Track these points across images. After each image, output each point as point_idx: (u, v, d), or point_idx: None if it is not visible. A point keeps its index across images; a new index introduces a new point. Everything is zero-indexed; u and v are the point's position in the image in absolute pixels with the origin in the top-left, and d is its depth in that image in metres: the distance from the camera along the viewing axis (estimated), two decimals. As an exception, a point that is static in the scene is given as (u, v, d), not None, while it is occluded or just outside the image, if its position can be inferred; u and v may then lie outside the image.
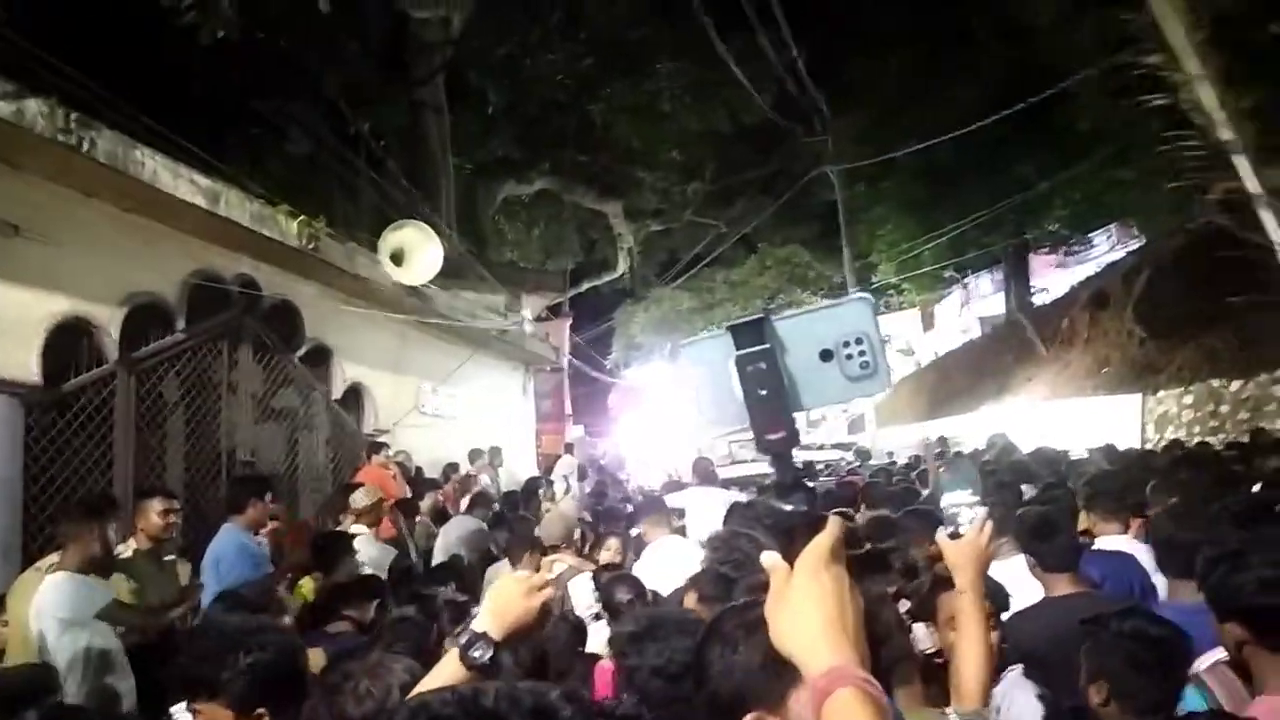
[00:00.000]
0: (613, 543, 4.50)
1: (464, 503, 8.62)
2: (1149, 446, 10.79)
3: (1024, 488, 5.22)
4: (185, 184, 6.00)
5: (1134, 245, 16.87)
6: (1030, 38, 13.10)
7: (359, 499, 6.27)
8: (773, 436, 1.10)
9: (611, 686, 2.42)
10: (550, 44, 15.18)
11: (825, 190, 19.50)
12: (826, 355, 1.13)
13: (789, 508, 1.06)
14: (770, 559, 0.97)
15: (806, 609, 0.93)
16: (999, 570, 2.59)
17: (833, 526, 0.99)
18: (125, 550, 4.00)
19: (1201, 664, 2.24)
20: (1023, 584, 2.94)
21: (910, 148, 15.18)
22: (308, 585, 5.12)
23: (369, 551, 5.48)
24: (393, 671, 1.85)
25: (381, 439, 8.45)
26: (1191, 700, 2.17)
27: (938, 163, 15.74)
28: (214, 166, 6.38)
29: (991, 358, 16.68)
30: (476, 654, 1.46)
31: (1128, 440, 10.91)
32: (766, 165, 20.78)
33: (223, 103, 8.58)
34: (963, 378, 17.21)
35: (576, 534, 4.71)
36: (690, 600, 2.44)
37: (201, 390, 6.68)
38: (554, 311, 16.30)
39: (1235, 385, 10.83)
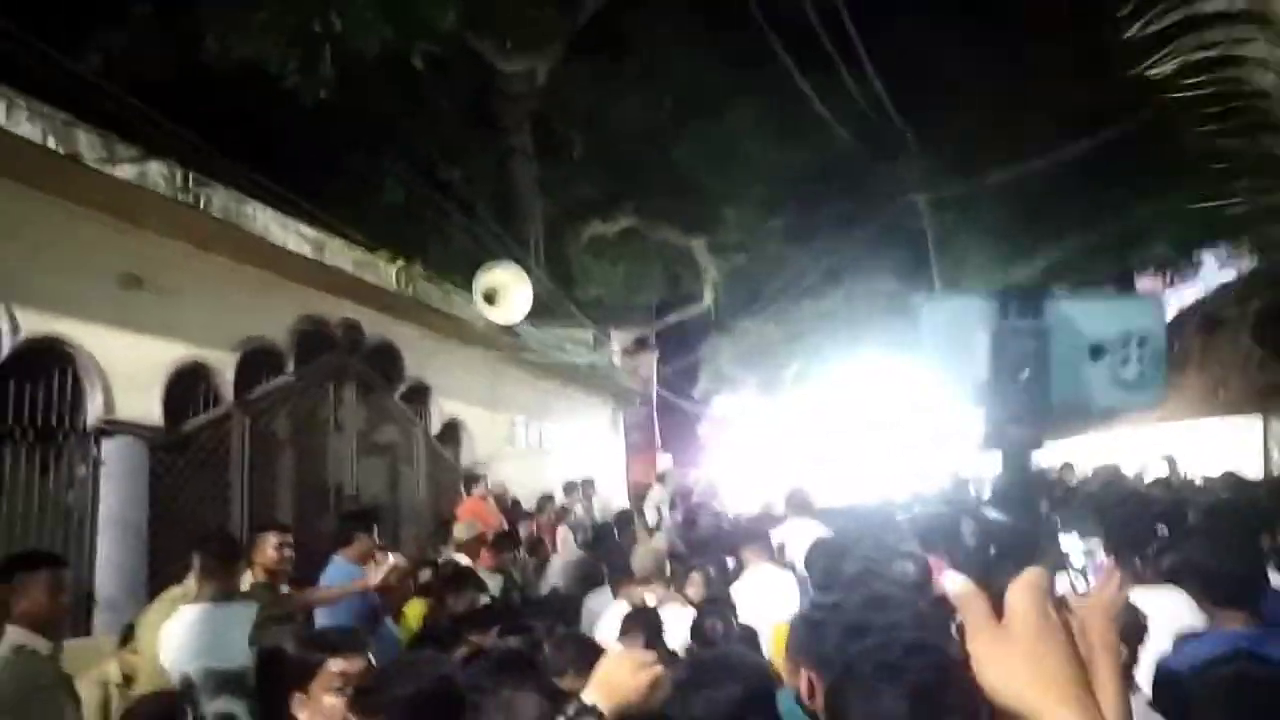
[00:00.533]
0: (696, 577, 4.51)
1: (559, 533, 8.77)
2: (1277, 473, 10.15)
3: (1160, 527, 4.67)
4: (293, 235, 6.39)
5: (1244, 264, 16.03)
6: (1111, 61, 12.72)
7: (460, 531, 6.47)
8: (1016, 429, 0.88)
9: None
10: (631, 91, 15.54)
11: (911, 219, 19.21)
12: (1098, 352, 0.93)
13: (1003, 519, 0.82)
14: (960, 583, 0.79)
15: (1047, 656, 0.75)
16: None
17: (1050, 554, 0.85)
18: (242, 583, 4.22)
19: None
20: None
21: (997, 174, 14.84)
22: (414, 611, 5.31)
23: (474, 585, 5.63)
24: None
25: (478, 472, 8.68)
26: None
27: (1028, 190, 15.32)
28: (317, 218, 6.77)
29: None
30: None
31: (1250, 467, 10.29)
32: (850, 198, 20.64)
33: (323, 159, 9.09)
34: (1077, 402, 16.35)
35: (666, 568, 4.73)
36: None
37: (310, 428, 7.02)
38: (641, 345, 16.47)
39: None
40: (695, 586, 4.50)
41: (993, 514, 0.82)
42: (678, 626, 3.70)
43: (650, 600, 4.19)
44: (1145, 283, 17.44)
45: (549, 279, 12.24)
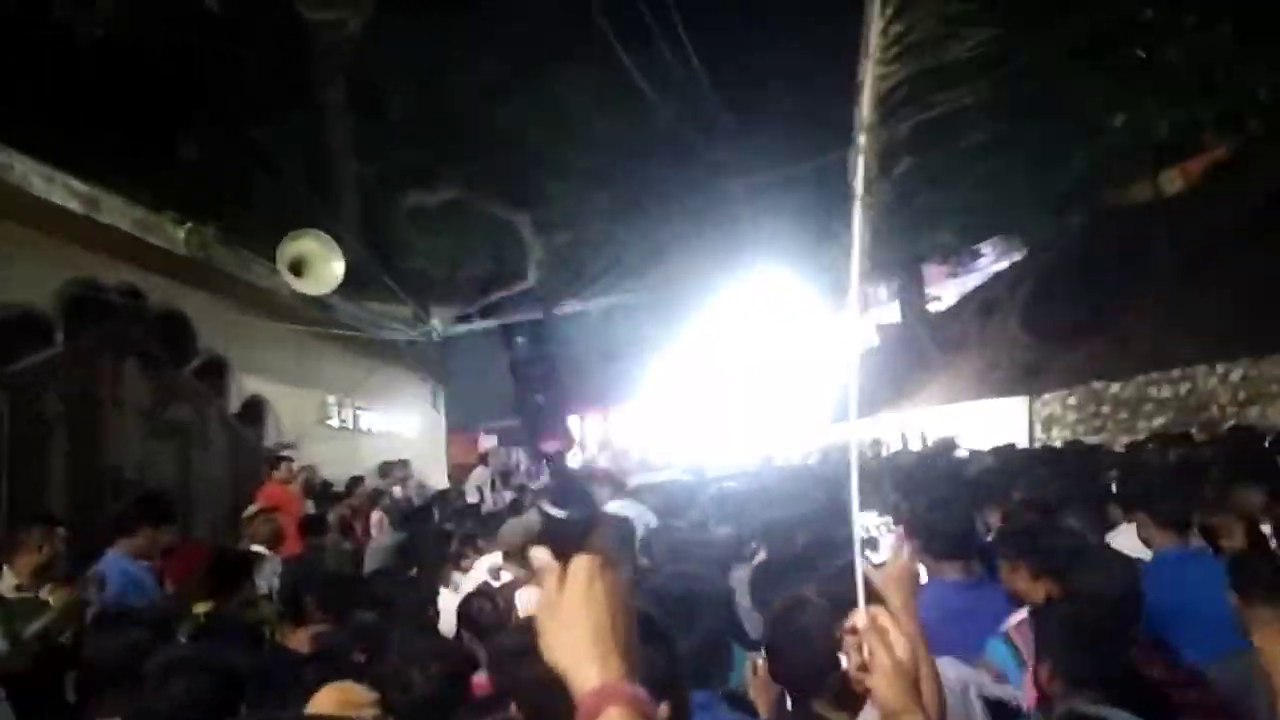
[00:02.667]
0: None
1: (373, 517, 8.40)
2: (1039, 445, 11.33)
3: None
4: (59, 189, 5.69)
5: (1017, 256, 17.76)
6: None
7: (258, 532, 5.98)
8: (549, 447, 1.07)
9: None
10: (457, 49, 14.97)
11: (729, 202, 19.81)
12: (609, 357, 1.18)
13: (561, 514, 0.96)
14: (541, 556, 0.92)
15: (576, 620, 0.89)
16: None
17: (604, 532, 0.96)
18: (3, 587, 3.72)
19: (1010, 622, 2.63)
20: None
21: (813, 161, 15.57)
22: (201, 609, 4.89)
23: (265, 573, 5.27)
24: None
25: (285, 453, 8.15)
26: (997, 650, 2.53)
27: (832, 176, 16.17)
28: (92, 171, 6.07)
29: (889, 364, 17.28)
30: None
31: (1018, 440, 11.45)
32: (673, 178, 21.00)
33: (103, 108, 8.15)
34: (863, 385, 17.62)
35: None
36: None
37: (84, 406, 6.31)
38: (464, 322, 16.06)
39: (1115, 387, 11.50)
40: None
41: (550, 510, 0.94)
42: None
43: (505, 576, 4.11)
44: (936, 267, 18.98)
45: (365, 250, 11.63)
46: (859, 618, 1.40)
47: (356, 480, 9.40)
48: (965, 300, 16.97)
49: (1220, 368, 10.13)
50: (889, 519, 2.23)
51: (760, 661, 2.23)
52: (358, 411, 10.40)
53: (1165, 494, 3.56)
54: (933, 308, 18.95)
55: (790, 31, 16.66)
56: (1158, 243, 12.34)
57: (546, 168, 17.93)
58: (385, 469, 10.26)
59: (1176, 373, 10.77)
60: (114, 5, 7.00)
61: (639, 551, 4.16)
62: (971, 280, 18.12)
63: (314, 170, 11.70)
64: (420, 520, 7.77)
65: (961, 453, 8.95)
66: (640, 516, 5.55)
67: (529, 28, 15.70)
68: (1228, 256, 11.35)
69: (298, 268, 7.90)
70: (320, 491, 8.39)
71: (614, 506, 5.70)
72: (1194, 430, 9.41)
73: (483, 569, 4.90)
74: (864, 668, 1.36)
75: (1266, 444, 6.87)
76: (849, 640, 1.40)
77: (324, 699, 1.68)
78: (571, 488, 0.98)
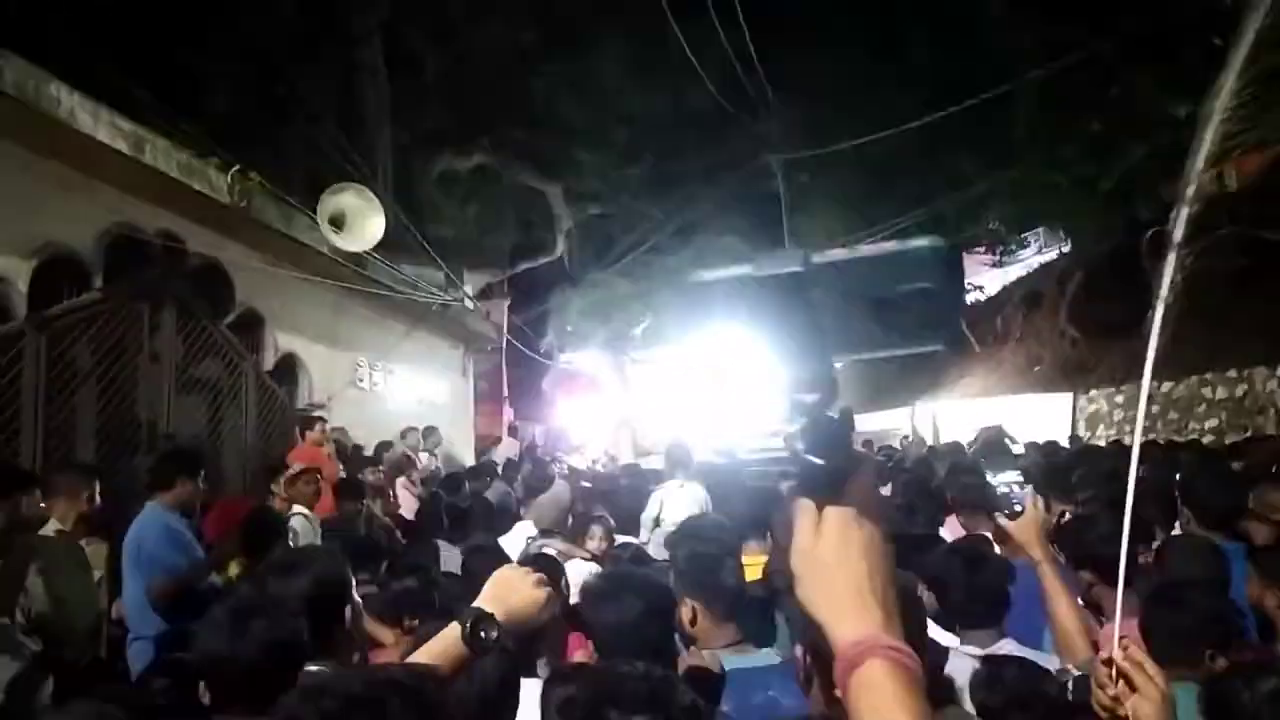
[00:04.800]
0: (596, 530, 4.26)
1: (398, 484, 8.19)
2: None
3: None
4: (106, 127, 5.45)
5: (1063, 249, 17.32)
6: (970, 39, 13.23)
7: (292, 488, 5.77)
8: (809, 398, 1.09)
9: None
10: (492, 10, 14.66)
11: (768, 181, 19.43)
12: (882, 305, 1.07)
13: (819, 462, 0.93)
14: (800, 499, 0.91)
15: (835, 569, 0.87)
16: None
17: (865, 479, 0.93)
18: (46, 529, 3.53)
19: None
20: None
21: (849, 142, 15.18)
22: (234, 570, 4.70)
23: (307, 534, 5.07)
24: None
25: (317, 414, 7.93)
26: None
27: (877, 158, 15.79)
28: (138, 110, 5.82)
29: (926, 353, 16.96)
30: (483, 634, 1.52)
31: (1060, 437, 11.13)
32: (709, 152, 20.62)
33: (147, 48, 7.90)
34: (898, 372, 17.43)
35: (569, 520, 4.45)
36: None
37: (119, 356, 6.10)
38: (492, 291, 15.84)
39: (1166, 386, 11.13)
40: (596, 540, 4.26)
41: (809, 458, 0.93)
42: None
43: (550, 553, 3.89)
44: (977, 256, 18.57)
45: (399, 212, 11.41)
46: (1113, 649, 1.42)
47: (385, 445, 9.20)
48: (1008, 291, 16.57)
49: (1276, 371, 9.77)
50: (1021, 478, 2.36)
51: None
52: (389, 374, 10.19)
53: (1213, 495, 3.77)
54: (972, 298, 18.56)
55: (835, 8, 16.24)
56: (1217, 240, 11.91)
57: (579, 139, 17.63)
58: (410, 434, 10.04)
59: (1232, 373, 10.41)
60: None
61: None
62: (1014, 271, 17.71)
63: (349, 128, 11.46)
64: (451, 489, 7.56)
65: (1016, 447, 8.64)
66: (696, 494, 5.32)
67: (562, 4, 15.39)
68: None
69: (338, 222, 7.65)
70: (352, 455, 8.19)
71: (677, 487, 5.46)
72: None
73: (521, 536, 4.68)
74: (1118, 699, 1.37)
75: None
76: (1101, 670, 1.42)
77: None
78: (831, 434, 0.94)
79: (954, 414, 13.87)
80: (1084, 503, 4.31)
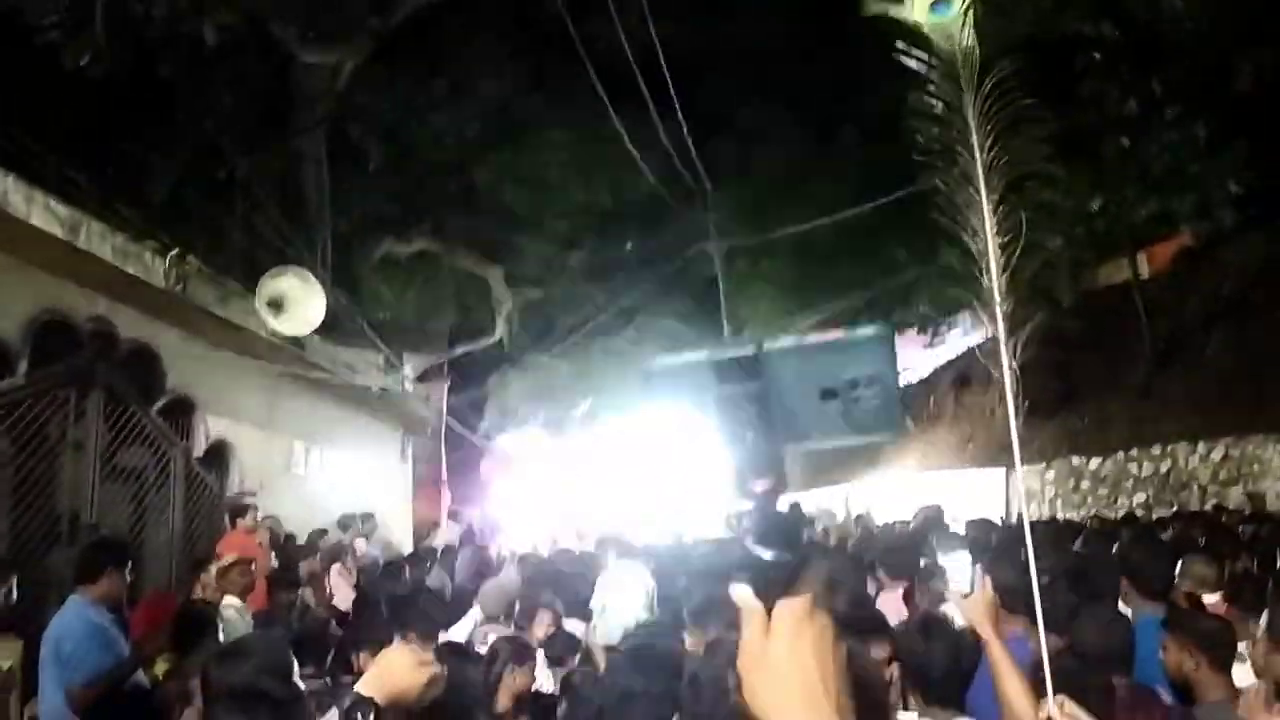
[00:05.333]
0: (544, 616, 4.16)
1: (334, 573, 7.91)
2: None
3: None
4: (40, 210, 5.36)
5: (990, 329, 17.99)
6: (900, 132, 13.93)
7: (224, 576, 5.55)
8: (759, 486, 0.98)
9: None
10: (438, 106, 15.01)
11: (706, 266, 19.88)
12: (829, 394, 0.99)
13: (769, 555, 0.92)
14: (743, 595, 0.86)
15: (785, 670, 0.82)
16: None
17: (818, 573, 0.89)
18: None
19: None
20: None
21: (785, 230, 15.75)
22: (161, 667, 4.46)
23: (238, 627, 4.84)
24: None
25: (248, 501, 7.67)
26: None
27: (813, 246, 16.40)
28: (73, 194, 5.75)
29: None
30: (358, 717, 1.50)
31: (994, 514, 11.36)
32: (649, 238, 21.08)
33: (86, 132, 7.85)
34: (832, 451, 17.58)
35: (515, 607, 4.34)
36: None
37: (39, 445, 5.86)
38: (432, 373, 15.71)
39: (1094, 463, 11.50)
40: (544, 627, 4.15)
41: (757, 550, 0.90)
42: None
43: (490, 638, 3.79)
44: (908, 339, 19.14)
45: (339, 295, 11.34)
46: (1050, 708, 1.55)
47: (320, 532, 8.91)
48: (941, 371, 17.08)
49: (1202, 446, 10.19)
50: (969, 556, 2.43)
51: None
52: (325, 459, 9.94)
53: (1147, 567, 3.94)
54: (905, 379, 19.05)
55: (775, 98, 17.02)
56: (1135, 323, 12.56)
57: (520, 225, 17.91)
58: (346, 521, 9.75)
59: (1157, 450, 10.82)
60: (105, 29, 6.74)
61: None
62: (944, 352, 18.29)
63: (290, 214, 11.45)
64: (389, 579, 7.33)
65: (955, 525, 8.76)
66: (643, 580, 5.27)
67: (510, 88, 15.84)
68: (1204, 338, 11.55)
69: (277, 305, 7.56)
70: (285, 544, 7.91)
71: (617, 568, 5.41)
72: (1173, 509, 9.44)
73: (469, 622, 4.55)
74: None
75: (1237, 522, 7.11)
76: None
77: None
78: (780, 527, 0.93)
79: (889, 492, 14.07)
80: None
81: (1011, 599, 3.26)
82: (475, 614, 4.40)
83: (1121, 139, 11.18)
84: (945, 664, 2.51)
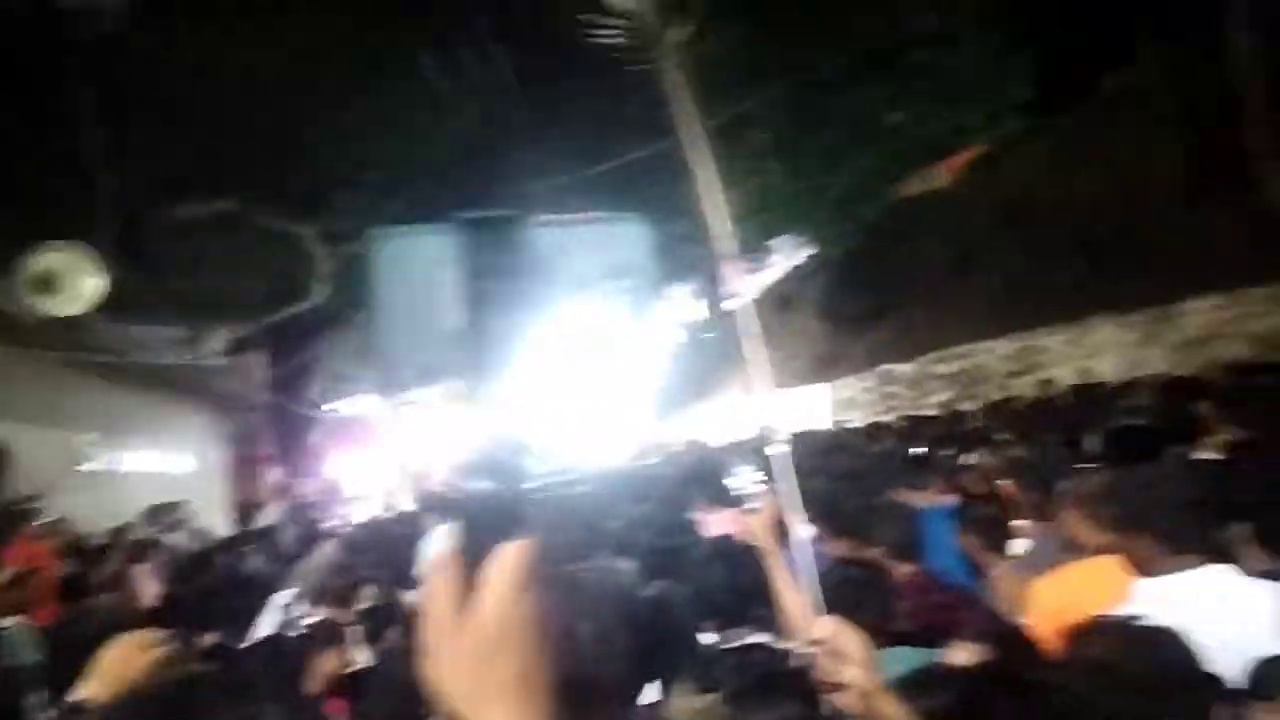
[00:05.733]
0: (368, 591, 4.02)
1: (138, 572, 7.34)
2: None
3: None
4: None
5: (810, 252, 18.74)
6: (712, 58, 14.02)
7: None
8: (496, 384, 0.73)
9: None
10: (234, 50, 13.77)
11: (535, 206, 19.51)
12: (586, 284, 0.82)
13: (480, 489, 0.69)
14: (434, 564, 0.68)
15: (487, 652, 0.65)
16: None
17: (542, 522, 0.72)
18: None
19: None
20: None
21: (605, 165, 15.65)
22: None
23: (26, 646, 4.39)
24: None
25: (32, 505, 6.94)
26: None
27: (629, 179, 16.41)
28: None
29: (695, 361, 17.71)
30: None
31: (822, 424, 11.99)
32: (468, 186, 20.42)
33: None
34: (673, 383, 18.09)
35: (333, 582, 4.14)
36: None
37: None
38: (245, 344, 14.69)
39: (901, 368, 12.30)
40: (368, 602, 3.99)
41: (469, 484, 0.70)
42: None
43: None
44: (731, 266, 19.64)
45: (129, 266, 10.32)
46: (820, 629, 1.50)
47: (120, 530, 8.22)
48: (763, 294, 17.69)
49: (994, 344, 11.08)
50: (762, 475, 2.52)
51: None
52: (123, 451, 9.15)
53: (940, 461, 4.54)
54: (732, 304, 19.57)
55: (584, 27, 16.68)
56: (929, 234, 13.38)
57: (333, 179, 16.89)
58: (154, 514, 9.06)
59: (957, 350, 11.68)
60: None
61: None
62: (767, 276, 18.94)
63: (64, 179, 10.24)
64: (200, 571, 6.86)
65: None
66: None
67: (310, 31, 14.72)
68: (995, 242, 12.46)
69: (46, 284, 6.78)
70: (78, 547, 7.24)
71: (437, 530, 5.25)
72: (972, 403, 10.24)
73: (275, 609, 4.31)
74: (832, 671, 1.46)
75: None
76: (813, 650, 1.50)
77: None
78: (499, 458, 0.72)
79: (723, 418, 14.58)
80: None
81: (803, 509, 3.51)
82: (286, 596, 4.17)
83: (915, 53, 11.68)
84: (725, 583, 2.58)
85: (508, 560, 0.66)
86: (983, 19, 11.94)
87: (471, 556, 0.67)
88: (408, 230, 0.75)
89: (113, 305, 7.99)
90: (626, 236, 0.84)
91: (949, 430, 7.45)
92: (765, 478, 2.66)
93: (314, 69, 14.92)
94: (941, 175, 15.17)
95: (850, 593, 2.38)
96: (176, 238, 15.22)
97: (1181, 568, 2.03)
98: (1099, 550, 2.50)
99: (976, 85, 12.31)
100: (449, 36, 13.47)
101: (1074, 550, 2.69)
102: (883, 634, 2.38)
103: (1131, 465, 2.68)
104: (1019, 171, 12.89)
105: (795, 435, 8.96)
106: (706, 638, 2.61)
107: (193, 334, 10.57)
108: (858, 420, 12.19)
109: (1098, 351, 9.97)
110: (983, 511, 3.47)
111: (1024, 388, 10.37)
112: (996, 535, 3.26)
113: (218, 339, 11.74)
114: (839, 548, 3.29)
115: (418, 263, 0.74)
